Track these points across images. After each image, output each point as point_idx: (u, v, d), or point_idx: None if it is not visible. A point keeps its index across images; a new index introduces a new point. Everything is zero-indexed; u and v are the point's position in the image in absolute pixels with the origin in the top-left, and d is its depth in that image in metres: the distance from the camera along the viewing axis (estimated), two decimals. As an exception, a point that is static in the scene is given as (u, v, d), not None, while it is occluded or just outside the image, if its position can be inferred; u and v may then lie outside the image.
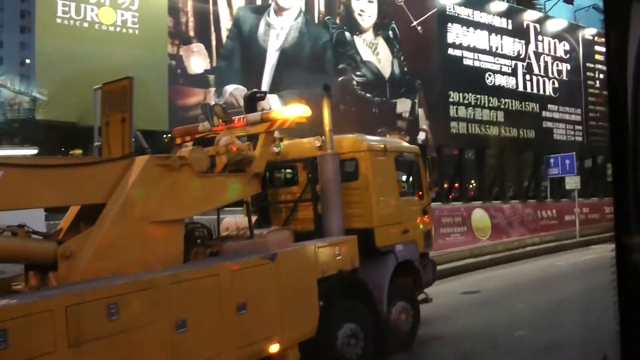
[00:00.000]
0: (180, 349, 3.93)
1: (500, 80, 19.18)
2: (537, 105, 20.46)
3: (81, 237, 4.10)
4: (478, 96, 18.19)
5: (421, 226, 7.20)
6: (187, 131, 6.51)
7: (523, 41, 20.11)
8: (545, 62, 21.06)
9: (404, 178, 7.43)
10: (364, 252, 5.97)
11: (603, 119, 23.33)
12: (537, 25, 20.74)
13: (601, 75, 23.58)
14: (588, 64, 23.09)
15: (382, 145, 6.62)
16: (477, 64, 18.37)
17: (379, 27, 15.70)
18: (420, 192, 7.30)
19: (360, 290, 5.90)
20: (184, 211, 4.72)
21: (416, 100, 16.30)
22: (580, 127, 22.32)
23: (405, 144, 7.87)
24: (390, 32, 15.94)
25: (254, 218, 6.02)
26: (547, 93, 21.01)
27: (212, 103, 6.51)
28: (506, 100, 19.20)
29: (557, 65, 21.64)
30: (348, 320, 5.61)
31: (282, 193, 6.85)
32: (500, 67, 19.19)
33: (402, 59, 16.14)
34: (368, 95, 15.28)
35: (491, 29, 18.94)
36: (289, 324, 4.90)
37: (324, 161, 5.93)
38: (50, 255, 3.94)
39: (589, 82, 23.11)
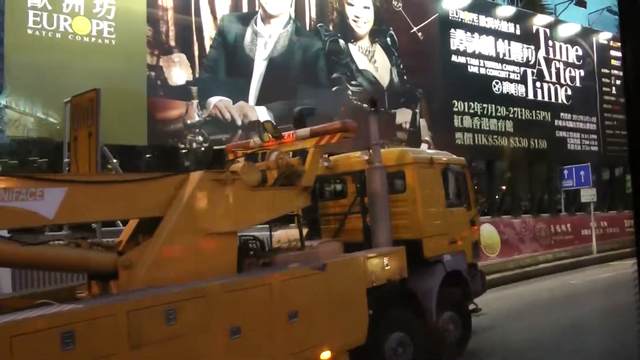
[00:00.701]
0: (235, 354, 4.14)
1: (509, 88, 18.14)
2: (549, 113, 19.35)
3: (140, 248, 4.32)
4: (485, 105, 17.17)
5: (469, 237, 7.28)
6: (239, 147, 6.78)
7: (532, 47, 19.08)
8: (557, 69, 19.97)
9: (451, 189, 7.39)
10: (412, 263, 6.05)
11: (621, 127, 22.13)
12: (547, 30, 19.70)
13: (617, 82, 22.38)
14: (603, 70, 21.94)
15: (428, 158, 6.77)
16: (483, 71, 17.38)
17: (376, 34, 14.84)
18: (467, 203, 7.41)
19: (409, 299, 6.08)
20: (237, 224, 4.89)
21: (417, 111, 15.35)
22: (595, 136, 21.14)
23: (452, 156, 7.93)
24: (388, 39, 15.05)
25: (304, 230, 6.28)
26: (560, 101, 19.90)
27: (263, 119, 6.87)
28: (515, 108, 18.13)
29: (570, 71, 20.53)
30: (397, 329, 5.76)
31: (332, 206, 7.09)
32: (509, 74, 18.16)
33: (401, 67, 15.22)
34: (365, 105, 14.33)
35: (498, 34, 17.97)
36: (339, 332, 5.05)
37: (371, 174, 6.12)
38: (111, 265, 4.18)
39: (605, 89, 21.93)
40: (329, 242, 6.07)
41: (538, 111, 18.89)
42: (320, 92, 13.71)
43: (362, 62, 14.50)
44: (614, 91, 22.28)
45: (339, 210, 6.78)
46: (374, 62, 14.72)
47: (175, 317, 3.77)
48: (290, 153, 5.95)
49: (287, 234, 6.35)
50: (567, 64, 20.40)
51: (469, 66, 16.98)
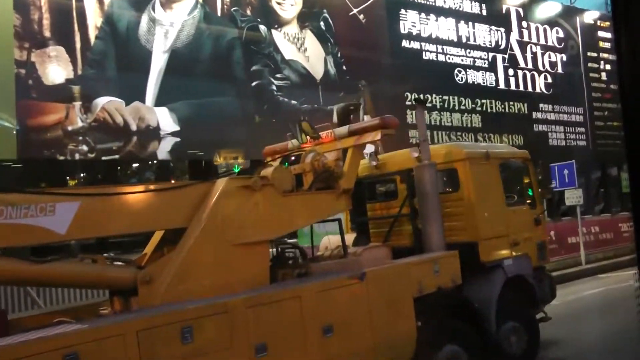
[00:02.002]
0: None
1: (475, 77, 15.92)
2: (525, 104, 17.10)
3: (161, 261, 4.17)
4: (445, 97, 14.96)
5: (533, 237, 6.77)
6: (277, 150, 6.44)
7: (502, 29, 16.84)
8: (534, 53, 17.72)
9: (511, 186, 6.86)
10: (468, 268, 5.70)
11: (613, 117, 19.80)
12: (521, 10, 17.44)
13: (607, 66, 20.11)
14: (590, 54, 19.65)
15: (484, 152, 6.32)
16: (442, 58, 15.19)
17: (306, 18, 12.74)
18: (531, 201, 6.96)
19: (464, 308, 5.71)
20: (268, 232, 4.67)
21: (361, 106, 13.18)
22: (583, 129, 18.82)
23: (513, 149, 7.52)
24: (322, 24, 12.95)
25: (353, 235, 6.24)
26: (538, 90, 17.65)
27: (301, 119, 6.41)
28: (483, 100, 15.90)
29: (550, 56, 18.27)
30: (449, 341, 5.39)
31: (382, 208, 6.75)
32: (474, 61, 15.94)
33: (338, 55, 13.11)
34: (293, 101, 12.27)
35: (459, 15, 15.75)
36: (382, 346, 4.76)
37: (420, 173, 5.79)
38: (131, 280, 4.00)
39: (592, 75, 19.64)
40: (375, 248, 5.70)
41: (511, 102, 16.65)
42: (237, 88, 11.69)
43: (289, 52, 12.41)
44: (603, 77, 19.99)
45: (389, 213, 6.43)
46: (304, 50, 12.63)
47: (192, 335, 3.60)
48: (334, 153, 5.61)
49: (336, 240, 5.86)
50: (545, 48, 18.15)
51: (424, 53, 14.79)
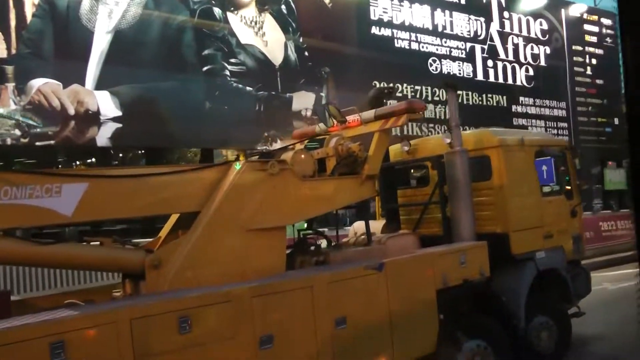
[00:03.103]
0: None
1: (450, 67, 15.19)
2: (505, 97, 16.38)
3: (171, 246, 4.06)
4: (417, 87, 14.24)
5: (569, 230, 6.59)
6: (306, 134, 6.40)
7: (482, 18, 16.10)
8: (515, 45, 16.99)
9: (547, 175, 6.79)
10: (499, 260, 5.55)
11: (597, 113, 19.14)
12: (503, 0, 16.69)
13: (593, 61, 19.39)
14: (575, 47, 18.92)
15: (519, 139, 6.14)
16: (415, 46, 14.45)
17: (266, 1, 11.99)
18: (568, 191, 6.77)
19: (491, 302, 5.54)
20: (284, 218, 4.50)
21: (323, 94, 12.50)
22: (565, 124, 18.12)
23: (550, 136, 7.42)
24: (284, 7, 12.20)
25: (382, 222, 6.17)
26: (519, 82, 16.92)
27: (326, 102, 6.45)
28: (459, 92, 15.08)
29: (532, 48, 17.53)
30: (474, 335, 5.21)
31: (413, 194, 6.62)
32: (450, 51, 15.20)
33: (301, 40, 12.38)
34: (249, 88, 11.56)
35: (436, 2, 15.00)
36: (401, 340, 4.56)
37: (451, 159, 5.66)
38: (139, 264, 3.91)
39: (577, 69, 18.92)
40: (402, 236, 5.68)
41: (490, 95, 15.93)
42: (186, 73, 10.96)
43: (245, 36, 11.67)
44: (588, 72, 19.26)
45: (420, 200, 6.31)
46: (262, 35, 11.89)
47: (191, 325, 3.45)
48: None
49: (363, 227, 5.72)
50: (528, 40, 17.41)
51: (396, 40, 14.05)
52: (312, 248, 5.11)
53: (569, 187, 6.90)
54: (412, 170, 7.03)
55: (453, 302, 5.09)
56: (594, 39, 19.56)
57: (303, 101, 12.17)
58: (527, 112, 17.00)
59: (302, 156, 4.76)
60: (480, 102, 15.57)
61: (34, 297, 4.80)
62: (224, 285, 3.87)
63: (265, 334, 3.77)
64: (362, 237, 5.49)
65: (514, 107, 16.60)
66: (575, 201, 6.78)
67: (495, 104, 16.14)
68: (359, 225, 5.96)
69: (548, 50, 17.96)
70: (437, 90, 14.50)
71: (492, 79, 16.15)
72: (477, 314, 5.48)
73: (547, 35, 18.00)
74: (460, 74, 15.31)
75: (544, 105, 17.61)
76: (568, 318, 6.37)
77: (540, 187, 6.34)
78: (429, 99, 14.41)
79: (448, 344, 4.95)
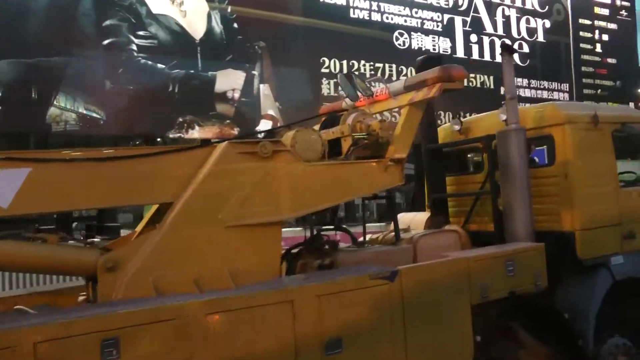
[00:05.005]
0: None
1: (422, 42, 13.11)
2: (492, 78, 14.20)
3: (133, 244, 3.52)
4: (379, 65, 12.24)
5: None
6: (333, 109, 5.28)
7: (464, -14, 13.96)
8: (507, 17, 14.76)
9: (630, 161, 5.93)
10: (561, 266, 4.68)
11: (609, 96, 16.73)
12: (490, -36, 14.50)
13: (604, 37, 16.94)
14: (582, 21, 16.51)
15: (591, 115, 4.96)
16: (376, 17, 12.43)
17: (185, -38, 10.24)
18: None
19: (549, 320, 4.72)
20: (281, 211, 3.78)
21: (255, 73, 10.67)
22: (568, 109, 15.78)
23: (636, 112, 6.07)
24: (208, -31, 10.42)
25: (426, 214, 5.49)
26: (510, 61, 14.67)
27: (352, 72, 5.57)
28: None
29: (528, 21, 15.25)
30: None
31: (464, 182, 5.69)
32: (422, 23, 13.11)
33: (229, 10, 10.57)
34: (161, 65, 9.82)
35: (405, -33, 12.95)
36: None
37: (504, 140, 4.72)
38: (91, 266, 3.38)
39: (584, 46, 16.51)
40: (441, 234, 4.90)
41: (472, 74, 13.77)
42: (83, 47, 9.33)
43: (158, 5, 9.95)
44: (598, 49, 16.82)
45: (471, 189, 5.50)
46: (179, 4, 10.13)
47: (119, 349, 2.79)
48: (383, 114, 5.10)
49: (412, 219, 5.31)
50: (523, 12, 15.16)
51: (352, 10, 12.07)
52: (328, 247, 4.39)
53: None
54: (464, 154, 6.14)
55: (495, 319, 4.32)
56: (605, 11, 17.10)
57: (229, 81, 10.39)
58: (520, 95, 14.73)
59: (306, 135, 4.00)
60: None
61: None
62: (170, 297, 3.22)
63: (225, 359, 3.11)
64: (391, 234, 4.75)
65: (502, 89, 14.37)
66: None
67: (479, 85, 13.99)
68: (404, 218, 5.37)
69: (548, 24, 15.64)
70: (404, 68, 12.45)
71: (476, 56, 13.99)
72: (527, 336, 4.57)
73: (547, 7, 15.69)
74: (435, 50, 13.19)
75: (542, 87, 15.34)
76: None
77: (620, 175, 5.34)
78: (394, 78, 12.34)
79: None
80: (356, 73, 4.78)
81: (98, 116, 9.30)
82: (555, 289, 4.68)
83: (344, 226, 4.99)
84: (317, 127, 4.72)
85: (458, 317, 4.05)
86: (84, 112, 9.23)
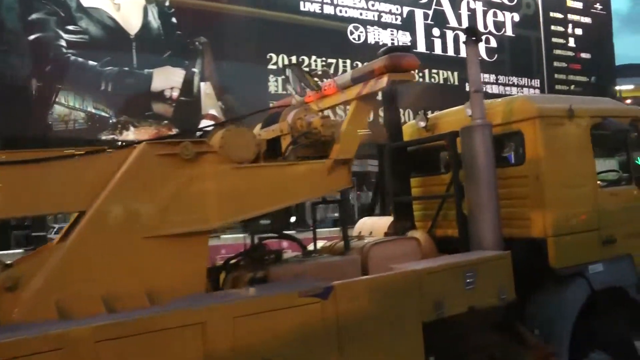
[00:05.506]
0: None
1: (379, 36, 12.66)
2: (456, 74, 13.75)
3: (35, 260, 3.15)
4: (332, 61, 11.80)
5: None
6: (284, 106, 4.76)
7: (425, -22, 13.50)
8: (472, 10, 14.30)
9: (609, 158, 5.59)
10: (531, 276, 4.30)
11: (583, 92, 16.24)
12: (454, -45, 14.04)
13: (578, 31, 16.49)
14: (553, 14, 16.06)
15: (565, 108, 4.58)
16: (329, 10, 11.98)
17: (119, -47, 9.81)
18: None
19: (515, 337, 4.25)
20: (206, 220, 3.42)
21: (195, 70, 10.22)
22: (538, 105, 15.35)
23: (617, 103, 5.75)
24: (144, -39, 9.98)
25: (390, 219, 5.07)
26: (476, 56, 14.22)
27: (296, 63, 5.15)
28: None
29: (495, 14, 14.80)
30: None
31: (429, 184, 5.36)
32: (379, 16, 12.66)
33: (167, 3, 10.12)
34: (92, 62, 9.38)
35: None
36: None
37: (468, 137, 4.33)
38: None
39: (556, 40, 16.07)
40: (398, 241, 4.41)
41: (435, 70, 13.32)
42: (7, 42, 8.91)
43: (90, -2, 9.51)
44: (571, 43, 16.37)
45: (439, 191, 5.06)
46: (113, -4, 9.70)
47: None
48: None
49: (372, 223, 5.00)
50: (490, 4, 14.72)
51: (302, 3, 11.62)
52: (271, 257, 4.01)
53: None
54: (432, 153, 5.70)
55: (448, 339, 3.88)
56: (578, 4, 16.65)
57: (167, 79, 9.97)
58: (486, 91, 14.29)
59: (238, 135, 3.64)
60: (420, 79, 12.97)
61: None
62: (59, 323, 2.89)
63: None
64: (339, 242, 4.41)
65: (467, 85, 13.94)
66: None
67: (442, 81, 13.53)
68: (365, 223, 5.07)
69: (517, 18, 15.20)
70: (359, 64, 11.99)
71: (438, 51, 13.53)
72: (488, 355, 4.16)
73: (516, 0, 15.23)
74: (393, 43, 12.73)
75: (510, 83, 14.89)
76: (637, 354, 4.99)
77: (598, 174, 5.00)
78: (349, 75, 11.93)
79: None
80: (306, 69, 4.41)
81: (20, 120, 8.87)
82: (525, 302, 4.37)
83: (290, 233, 4.55)
84: (259, 126, 4.40)
85: (407, 338, 3.68)
86: (7, 114, 8.80)
